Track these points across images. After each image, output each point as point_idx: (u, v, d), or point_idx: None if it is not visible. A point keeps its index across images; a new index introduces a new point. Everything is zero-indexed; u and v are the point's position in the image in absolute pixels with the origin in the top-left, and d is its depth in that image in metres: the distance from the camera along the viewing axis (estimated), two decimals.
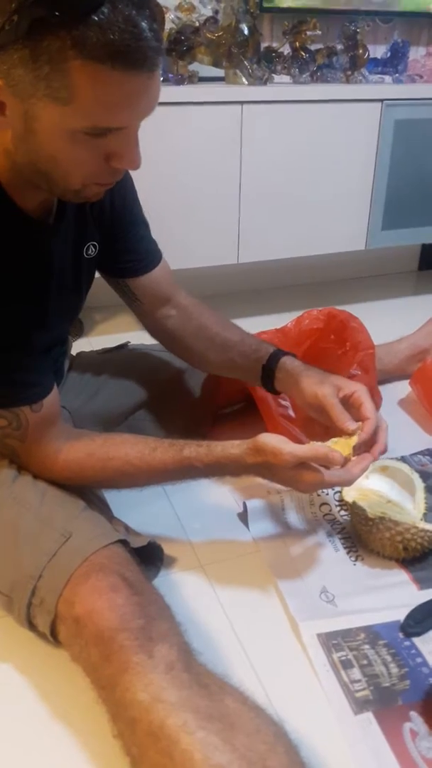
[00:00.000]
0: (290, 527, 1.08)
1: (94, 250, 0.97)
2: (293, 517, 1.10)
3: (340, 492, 1.11)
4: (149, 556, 0.92)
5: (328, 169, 1.81)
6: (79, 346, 1.48)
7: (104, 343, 1.36)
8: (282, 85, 1.80)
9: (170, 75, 1.68)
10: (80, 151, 0.69)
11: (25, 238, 0.81)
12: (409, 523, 0.96)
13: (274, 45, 1.87)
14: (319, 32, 1.78)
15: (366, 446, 0.92)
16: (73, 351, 1.25)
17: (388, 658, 0.83)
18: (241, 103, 1.64)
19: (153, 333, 1.15)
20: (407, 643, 0.85)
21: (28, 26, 0.59)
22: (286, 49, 1.83)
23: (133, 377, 1.24)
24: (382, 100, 1.77)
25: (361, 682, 0.80)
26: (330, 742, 0.74)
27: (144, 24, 0.62)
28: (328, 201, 1.84)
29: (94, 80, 0.62)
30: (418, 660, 0.83)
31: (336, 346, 1.34)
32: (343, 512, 1.11)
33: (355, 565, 1.00)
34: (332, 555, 1.02)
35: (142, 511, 1.06)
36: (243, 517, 1.10)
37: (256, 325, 1.38)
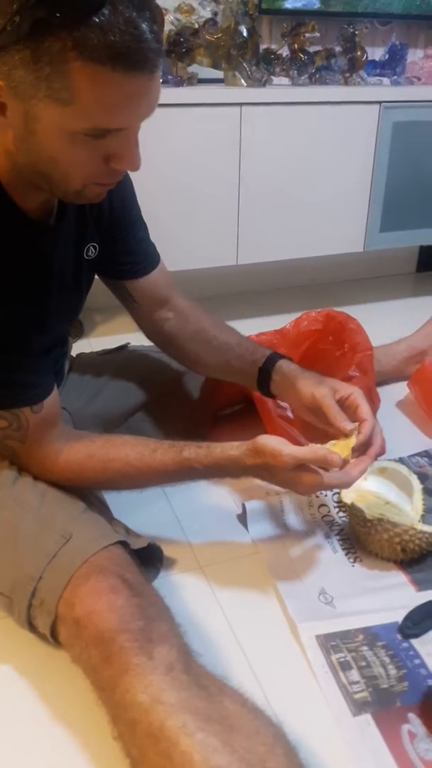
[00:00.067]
0: (289, 529, 1.08)
1: (94, 251, 0.97)
2: (292, 519, 1.10)
3: (338, 493, 1.11)
4: (149, 558, 0.92)
5: (327, 171, 1.81)
6: (80, 347, 1.48)
7: (104, 344, 1.36)
8: (281, 87, 1.81)
9: (169, 77, 1.68)
10: (80, 152, 0.69)
11: (26, 239, 0.81)
12: (407, 524, 0.96)
13: (273, 47, 1.87)
14: (317, 34, 1.79)
15: (363, 448, 0.93)
16: (74, 352, 1.25)
17: (387, 660, 0.83)
18: (240, 104, 1.64)
19: (150, 335, 1.15)
20: (405, 644, 0.85)
21: (29, 27, 0.59)
22: (285, 51, 1.83)
23: (133, 379, 1.24)
24: (380, 102, 1.78)
25: (360, 683, 0.80)
26: (328, 743, 0.74)
27: (144, 26, 0.62)
28: (327, 202, 1.85)
29: (95, 81, 0.62)
30: (416, 661, 0.83)
31: (334, 348, 1.34)
32: (341, 514, 1.11)
33: (353, 566, 1.00)
34: (331, 556, 1.02)
35: (142, 512, 1.06)
36: (242, 518, 1.10)
37: (254, 326, 1.39)
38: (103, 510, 0.96)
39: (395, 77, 1.98)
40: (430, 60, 2.09)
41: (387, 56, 1.99)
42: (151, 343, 1.18)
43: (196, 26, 1.66)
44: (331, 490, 1.13)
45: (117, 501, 1.02)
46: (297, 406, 1.04)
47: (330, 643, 0.86)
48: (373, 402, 1.31)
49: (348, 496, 1.03)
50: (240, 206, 1.75)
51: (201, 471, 0.89)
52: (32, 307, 0.86)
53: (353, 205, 1.88)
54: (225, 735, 0.62)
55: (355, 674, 0.81)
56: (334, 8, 2.00)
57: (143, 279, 1.06)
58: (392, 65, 1.99)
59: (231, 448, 0.88)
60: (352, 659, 0.83)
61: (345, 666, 0.82)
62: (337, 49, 1.85)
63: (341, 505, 1.12)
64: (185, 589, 0.96)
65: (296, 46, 1.80)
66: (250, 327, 1.32)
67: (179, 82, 1.68)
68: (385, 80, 1.99)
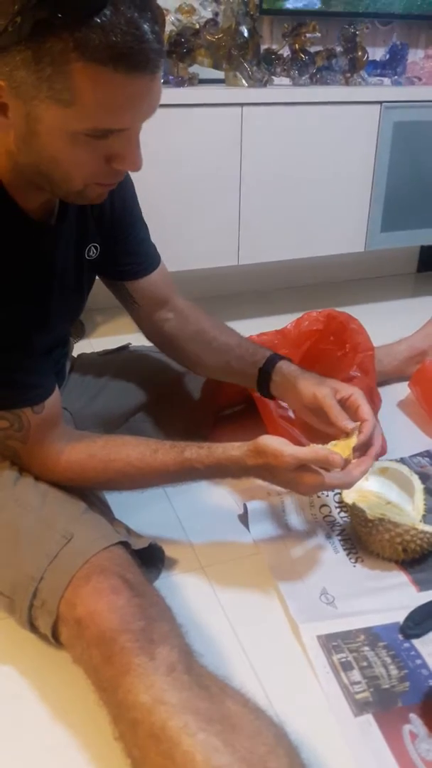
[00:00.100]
0: (290, 529, 1.08)
1: (95, 251, 0.97)
2: (293, 519, 1.10)
3: (340, 494, 1.11)
4: (150, 558, 0.92)
5: (328, 171, 1.81)
6: (81, 347, 1.48)
7: (105, 344, 1.36)
8: (281, 87, 1.81)
9: (170, 77, 1.68)
10: (81, 153, 0.69)
11: (27, 239, 0.81)
12: (408, 524, 0.96)
13: (274, 47, 1.87)
14: (318, 34, 1.79)
15: (364, 448, 0.93)
16: (75, 352, 1.25)
17: (388, 660, 0.83)
18: (241, 105, 1.64)
19: (150, 336, 1.15)
20: (407, 644, 0.85)
21: (30, 28, 0.59)
22: (286, 52, 1.83)
23: (134, 379, 1.24)
24: (381, 102, 1.78)
25: (361, 683, 0.80)
26: (330, 743, 0.74)
27: (146, 26, 0.62)
28: (328, 202, 1.85)
29: (96, 82, 0.62)
30: (418, 662, 0.83)
31: (335, 348, 1.34)
32: (342, 514, 1.11)
33: (354, 566, 1.00)
34: (332, 557, 1.02)
35: (143, 512, 1.06)
36: (243, 518, 1.10)
37: (255, 326, 1.39)
38: (105, 510, 0.96)
39: (396, 77, 1.99)
40: (430, 60, 2.09)
41: (388, 56, 1.99)
42: (153, 344, 1.18)
43: (197, 26, 1.66)
44: (333, 491, 1.14)
45: (118, 501, 1.02)
46: (297, 406, 1.04)
47: (331, 643, 0.86)
48: (375, 402, 1.31)
49: (349, 496, 1.03)
50: (241, 206, 1.75)
51: (202, 471, 0.89)
52: (33, 308, 0.86)
53: (354, 205, 1.88)
54: (227, 735, 0.62)
55: (356, 674, 0.81)
56: (335, 8, 2.00)
57: (143, 280, 1.06)
58: (393, 65, 1.99)
59: (232, 449, 0.88)
60: (354, 659, 0.83)
61: (346, 666, 0.82)
62: (338, 49, 1.85)
63: (342, 505, 1.12)
64: (186, 590, 0.96)
65: (297, 46, 1.80)
66: (251, 327, 1.32)
67: (180, 83, 1.68)
68: (386, 80, 1.99)
